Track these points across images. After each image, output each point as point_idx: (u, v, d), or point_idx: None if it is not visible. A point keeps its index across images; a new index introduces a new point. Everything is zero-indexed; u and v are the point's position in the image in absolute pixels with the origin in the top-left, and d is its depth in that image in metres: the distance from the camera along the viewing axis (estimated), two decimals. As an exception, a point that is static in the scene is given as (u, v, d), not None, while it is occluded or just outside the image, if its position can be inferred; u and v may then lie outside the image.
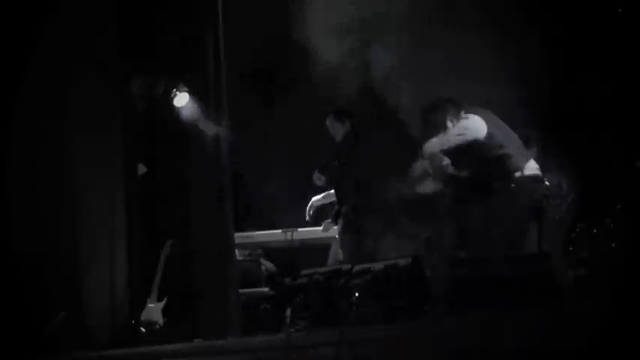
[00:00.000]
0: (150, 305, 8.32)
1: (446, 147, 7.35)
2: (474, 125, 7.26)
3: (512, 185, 7.16)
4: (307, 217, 9.13)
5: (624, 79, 7.96)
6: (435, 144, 7.38)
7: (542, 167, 7.47)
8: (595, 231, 7.75)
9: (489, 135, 7.21)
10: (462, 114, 7.37)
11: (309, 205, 9.11)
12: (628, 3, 8.22)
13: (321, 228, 9.19)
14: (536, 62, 8.17)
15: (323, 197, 9.04)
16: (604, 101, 7.98)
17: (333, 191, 8.88)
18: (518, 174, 7.20)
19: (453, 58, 7.94)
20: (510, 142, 7.28)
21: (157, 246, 8.57)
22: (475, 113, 7.34)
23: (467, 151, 7.34)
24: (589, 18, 8.26)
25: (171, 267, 8.52)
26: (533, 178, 7.26)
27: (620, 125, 7.86)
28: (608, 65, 8.12)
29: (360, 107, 8.70)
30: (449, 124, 7.38)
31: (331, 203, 8.89)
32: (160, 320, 8.26)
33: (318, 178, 8.78)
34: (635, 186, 7.54)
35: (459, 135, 7.28)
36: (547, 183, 7.47)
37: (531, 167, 7.32)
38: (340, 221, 8.53)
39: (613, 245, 7.62)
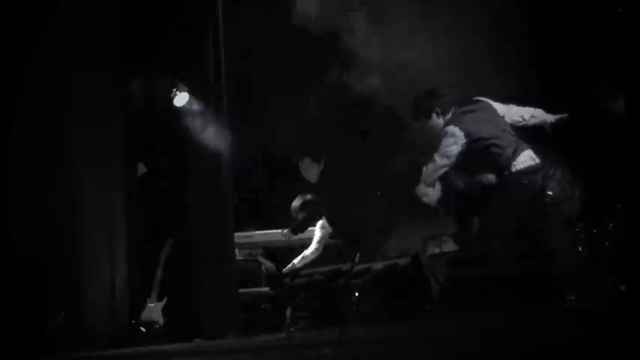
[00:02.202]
0: (150, 305, 8.32)
1: (437, 175, 6.98)
2: (452, 139, 6.91)
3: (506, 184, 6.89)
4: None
5: (625, 79, 7.95)
6: (427, 176, 6.98)
7: (542, 168, 7.42)
8: (595, 231, 7.73)
9: (471, 140, 6.91)
10: (446, 119, 7.02)
11: (290, 264, 9.06)
12: (628, 3, 8.21)
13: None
14: (535, 61, 8.17)
15: (301, 258, 9.02)
16: (604, 101, 7.96)
17: (308, 253, 8.90)
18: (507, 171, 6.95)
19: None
20: (500, 137, 6.96)
21: (157, 246, 8.57)
22: (465, 112, 7.06)
23: (457, 167, 7.05)
24: (590, 18, 8.25)
25: (172, 267, 8.52)
26: (528, 170, 6.98)
27: (620, 125, 7.85)
28: (607, 64, 8.11)
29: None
30: (438, 120, 7.08)
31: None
32: (160, 320, 8.26)
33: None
34: (635, 186, 7.52)
35: (443, 155, 6.91)
36: (550, 193, 7.31)
37: (523, 160, 6.99)
38: None
39: (613, 245, 7.61)
